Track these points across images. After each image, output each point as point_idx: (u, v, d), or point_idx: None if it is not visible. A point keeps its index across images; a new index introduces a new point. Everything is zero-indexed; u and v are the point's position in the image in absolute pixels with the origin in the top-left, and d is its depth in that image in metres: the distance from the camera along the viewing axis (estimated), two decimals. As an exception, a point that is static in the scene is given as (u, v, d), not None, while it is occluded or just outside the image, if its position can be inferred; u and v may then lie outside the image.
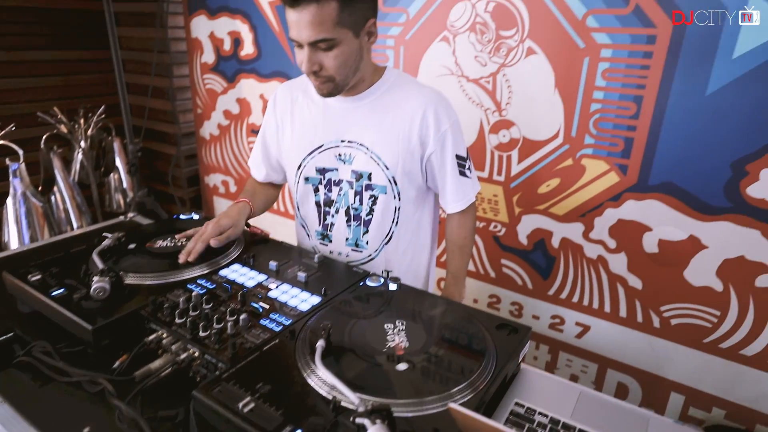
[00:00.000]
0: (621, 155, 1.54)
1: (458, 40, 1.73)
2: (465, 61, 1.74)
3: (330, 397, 0.68)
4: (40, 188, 2.49)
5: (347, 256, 1.28)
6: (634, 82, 1.46)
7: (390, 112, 1.15)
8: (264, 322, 0.87)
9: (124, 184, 2.78)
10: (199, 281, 1.00)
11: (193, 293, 0.93)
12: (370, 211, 1.22)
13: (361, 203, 1.22)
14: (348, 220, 1.25)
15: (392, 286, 0.99)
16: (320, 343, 0.76)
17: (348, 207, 1.23)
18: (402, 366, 0.76)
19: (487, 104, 1.74)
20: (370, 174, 1.18)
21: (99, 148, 2.77)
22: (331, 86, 1.08)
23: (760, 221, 1.38)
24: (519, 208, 1.80)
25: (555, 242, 1.75)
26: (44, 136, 2.41)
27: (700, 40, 1.32)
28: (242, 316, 0.86)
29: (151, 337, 0.85)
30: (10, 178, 2.28)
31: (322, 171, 1.23)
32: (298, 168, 1.26)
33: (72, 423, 0.74)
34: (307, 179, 1.26)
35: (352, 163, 1.19)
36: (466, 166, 1.22)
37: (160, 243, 1.16)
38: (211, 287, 0.98)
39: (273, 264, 1.07)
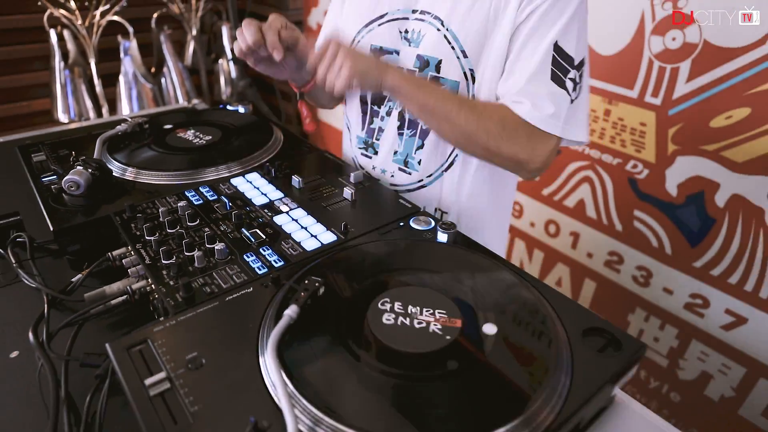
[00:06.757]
0: None
1: None
2: None
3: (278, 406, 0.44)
4: (152, 70, 2.50)
5: (392, 176, 0.95)
6: None
7: None
8: (248, 257, 0.64)
9: (232, 73, 2.71)
10: (201, 189, 0.80)
11: (179, 204, 0.72)
12: None
13: None
14: (401, 127, 0.90)
15: (441, 237, 0.68)
16: (290, 311, 0.51)
17: (404, 108, 0.89)
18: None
19: (657, -11, 1.22)
20: (440, 62, 0.82)
21: (209, 33, 2.70)
22: None
23: None
24: (675, 145, 1.30)
25: (720, 199, 1.25)
26: (155, 15, 2.36)
27: None
28: (219, 246, 0.63)
29: (117, 252, 0.67)
30: (122, 56, 2.29)
31: (377, 52, 0.90)
32: (351, 45, 0.93)
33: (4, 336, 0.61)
34: None
35: (419, 45, 0.84)
36: (569, 73, 0.75)
37: (182, 135, 0.97)
38: (211, 198, 0.77)
39: (296, 179, 0.82)
